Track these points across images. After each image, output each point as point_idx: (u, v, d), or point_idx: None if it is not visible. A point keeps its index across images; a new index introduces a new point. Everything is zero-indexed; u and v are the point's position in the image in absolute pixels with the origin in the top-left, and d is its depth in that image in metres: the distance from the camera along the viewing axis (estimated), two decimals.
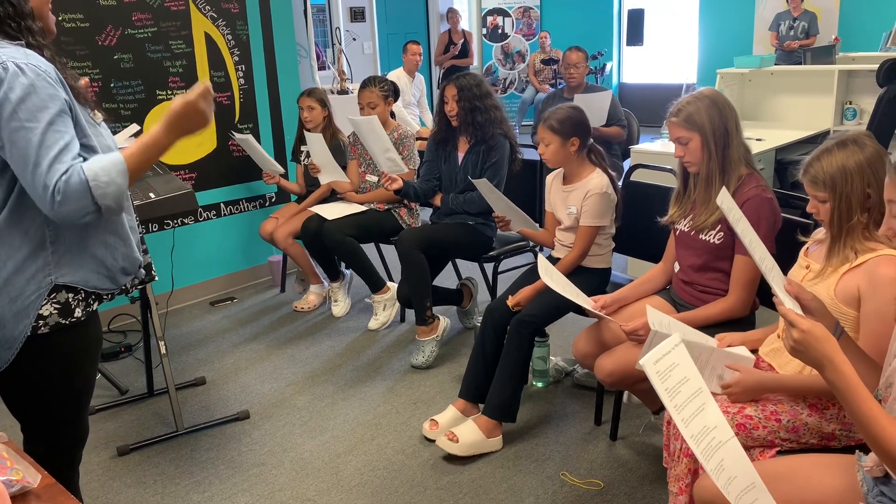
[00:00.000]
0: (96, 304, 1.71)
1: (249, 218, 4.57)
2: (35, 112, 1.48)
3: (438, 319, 3.49)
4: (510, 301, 2.83)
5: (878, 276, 1.71)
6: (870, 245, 1.77)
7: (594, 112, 4.69)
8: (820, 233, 1.96)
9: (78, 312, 1.66)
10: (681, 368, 1.31)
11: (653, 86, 10.41)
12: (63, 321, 1.63)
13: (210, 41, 4.23)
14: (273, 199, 4.68)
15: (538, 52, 9.91)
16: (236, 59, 4.37)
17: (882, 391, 1.48)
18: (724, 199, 1.65)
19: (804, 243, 2.02)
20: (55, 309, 1.62)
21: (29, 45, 1.57)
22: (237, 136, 4.20)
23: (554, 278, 2.51)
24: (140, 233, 1.93)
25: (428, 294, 3.39)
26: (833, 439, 1.84)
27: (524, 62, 10.55)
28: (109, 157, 1.56)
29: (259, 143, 4.33)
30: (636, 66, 10.91)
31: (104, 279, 1.70)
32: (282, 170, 4.26)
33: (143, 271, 1.86)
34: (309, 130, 4.15)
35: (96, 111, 1.71)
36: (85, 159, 1.55)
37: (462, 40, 9.29)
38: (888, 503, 1.46)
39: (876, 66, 4.56)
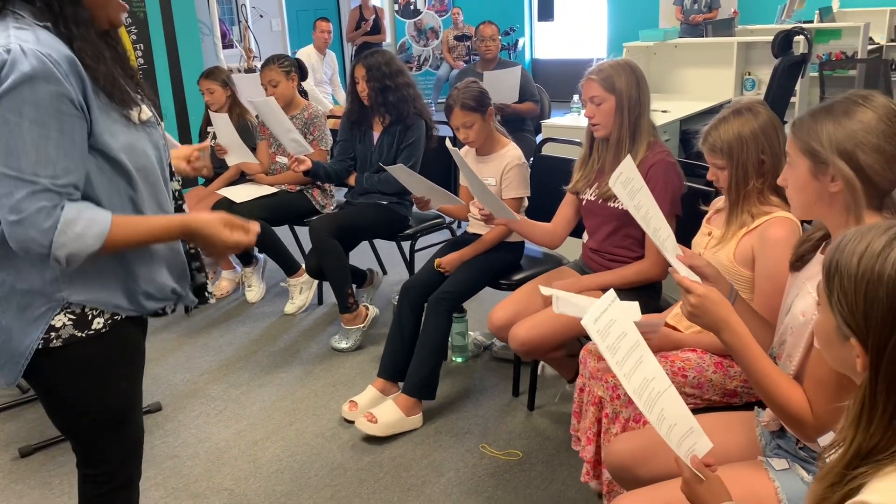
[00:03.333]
0: (123, 315, 1.52)
1: None
2: (22, 105, 1.27)
3: (366, 308, 3.45)
4: (437, 262, 2.84)
5: (768, 236, 1.78)
6: (765, 209, 1.85)
7: (505, 89, 4.69)
8: (719, 202, 2.03)
9: (97, 324, 1.47)
10: (618, 324, 1.32)
11: (564, 61, 10.53)
12: (79, 333, 1.45)
13: None
14: (180, 182, 4.51)
15: (451, 28, 9.88)
16: (133, 37, 4.19)
17: (776, 349, 1.55)
18: (626, 168, 1.67)
19: (704, 212, 2.09)
20: (69, 320, 1.44)
21: (59, 34, 1.36)
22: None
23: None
24: (191, 250, 1.69)
25: (348, 281, 3.34)
26: (735, 396, 1.92)
27: (438, 39, 10.49)
28: (101, 214, 1.37)
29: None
30: (548, 42, 11.01)
31: (124, 300, 1.50)
32: None
33: (178, 296, 1.61)
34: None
35: (142, 108, 1.49)
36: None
37: (373, 16, 9.15)
38: (783, 455, 1.53)
39: (772, 38, 4.74)
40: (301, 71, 3.89)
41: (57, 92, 1.30)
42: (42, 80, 1.28)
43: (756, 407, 1.71)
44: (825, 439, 1.39)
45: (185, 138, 4.47)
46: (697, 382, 1.90)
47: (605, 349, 1.28)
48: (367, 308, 3.45)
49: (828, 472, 0.99)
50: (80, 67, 1.34)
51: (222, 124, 3.69)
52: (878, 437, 0.92)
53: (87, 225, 1.33)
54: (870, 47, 6.85)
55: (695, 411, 1.84)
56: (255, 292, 3.99)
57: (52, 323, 1.43)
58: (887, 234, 0.93)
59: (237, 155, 3.79)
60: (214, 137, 3.94)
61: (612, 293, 1.36)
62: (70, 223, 1.31)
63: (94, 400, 1.54)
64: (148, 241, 1.49)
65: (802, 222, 1.76)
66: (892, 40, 7.76)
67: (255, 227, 1.56)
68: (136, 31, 4.15)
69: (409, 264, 3.57)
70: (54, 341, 1.44)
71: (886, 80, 6.06)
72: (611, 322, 1.31)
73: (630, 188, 1.61)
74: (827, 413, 1.32)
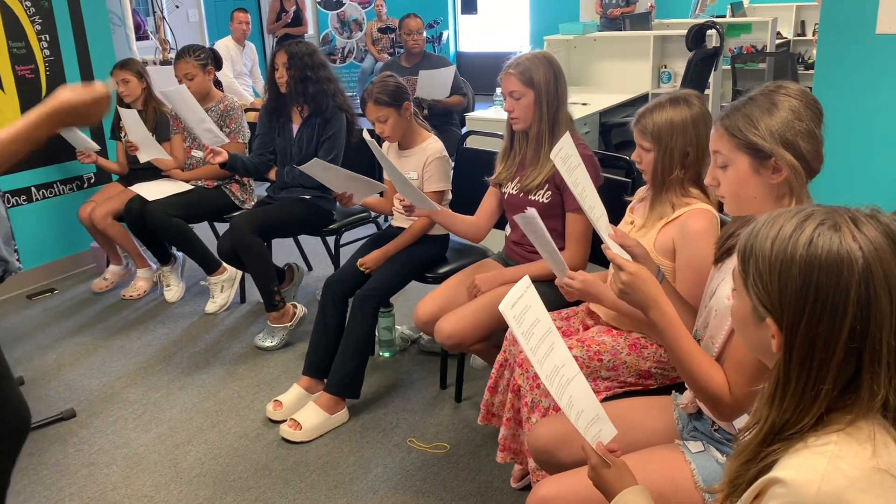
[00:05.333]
0: None
1: (67, 201, 4.21)
2: None
3: (294, 307, 3.38)
4: (360, 262, 2.80)
5: (688, 228, 1.83)
6: (686, 200, 1.89)
7: (438, 86, 4.74)
8: (642, 191, 2.07)
9: None
10: (532, 310, 1.33)
11: (488, 54, 10.57)
12: None
13: (4, 7, 3.81)
14: (92, 180, 4.33)
15: (375, 20, 9.78)
16: (38, 27, 3.97)
17: (700, 331, 1.58)
18: (565, 145, 1.68)
19: (628, 202, 2.13)
20: None
21: None
22: None
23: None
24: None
25: (273, 278, 3.27)
26: (650, 377, 1.96)
27: (362, 31, 10.38)
28: None
29: None
30: (472, 35, 11.05)
31: None
32: (97, 147, 3.90)
33: (4, 262, 1.63)
34: (127, 105, 3.85)
35: None
36: None
37: (294, 7, 8.98)
38: (700, 437, 1.57)
39: (686, 32, 4.88)
40: (216, 62, 3.77)
41: None
42: None
43: (673, 391, 1.75)
44: (740, 422, 1.44)
45: (96, 135, 4.27)
46: (612, 365, 1.94)
47: (521, 335, 1.29)
48: (296, 307, 3.38)
49: (742, 450, 1.02)
50: None
51: (132, 120, 3.55)
52: (789, 413, 0.96)
53: None
54: (778, 41, 7.13)
55: (614, 397, 1.91)
56: (173, 292, 3.86)
57: None
58: (796, 217, 0.97)
59: (148, 152, 3.65)
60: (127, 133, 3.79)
61: (526, 279, 1.37)
62: None
63: None
64: (26, 147, 1.48)
65: (721, 213, 1.81)
66: (799, 35, 8.11)
67: (107, 86, 1.55)
68: (40, 21, 3.94)
69: (335, 259, 3.52)
70: None
71: (794, 72, 6.33)
72: (526, 308, 1.32)
73: (569, 164, 1.62)
74: (744, 395, 1.36)
